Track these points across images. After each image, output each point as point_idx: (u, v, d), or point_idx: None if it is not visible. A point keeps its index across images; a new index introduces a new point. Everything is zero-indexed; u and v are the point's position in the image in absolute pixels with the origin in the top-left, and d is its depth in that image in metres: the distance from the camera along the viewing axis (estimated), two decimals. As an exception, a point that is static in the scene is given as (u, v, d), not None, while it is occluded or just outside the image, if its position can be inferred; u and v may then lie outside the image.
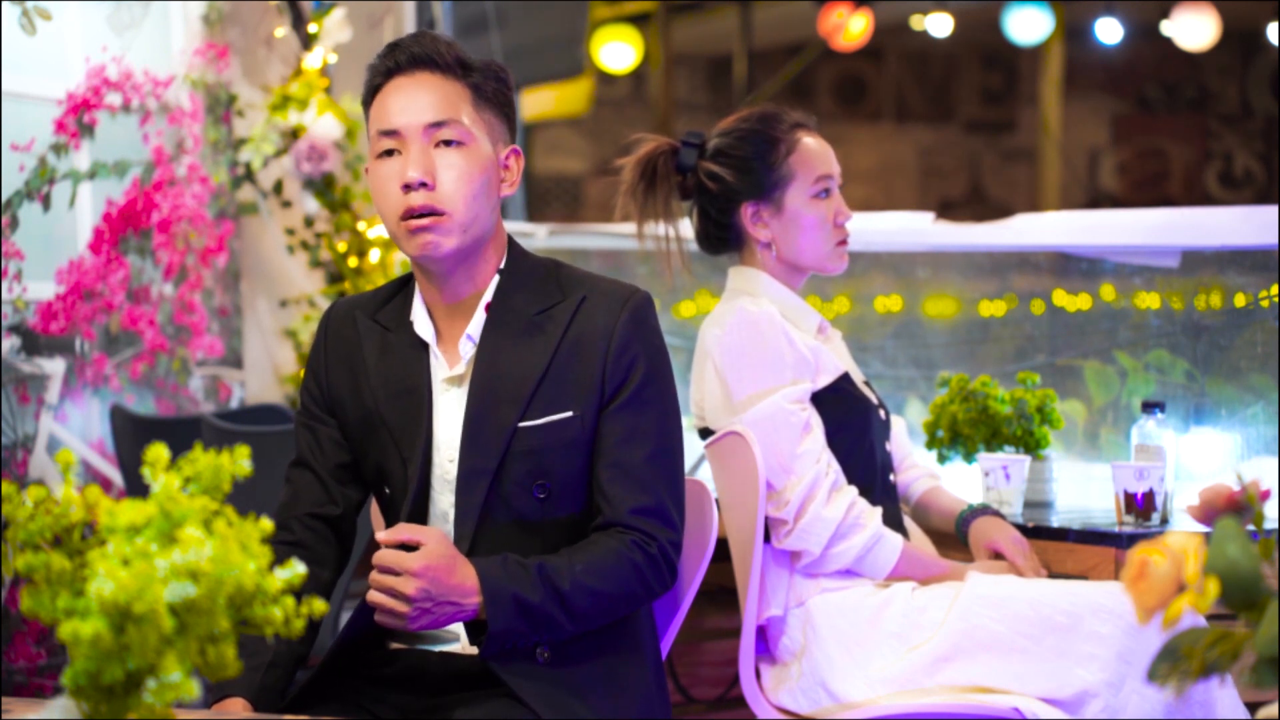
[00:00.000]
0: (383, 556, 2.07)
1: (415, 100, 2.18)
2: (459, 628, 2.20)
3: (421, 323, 2.24)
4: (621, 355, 2.19)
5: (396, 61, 2.21)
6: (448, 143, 2.17)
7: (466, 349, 2.22)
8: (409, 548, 2.07)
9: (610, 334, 2.19)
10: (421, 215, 2.15)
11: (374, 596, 2.07)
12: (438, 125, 2.17)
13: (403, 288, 2.31)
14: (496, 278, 2.24)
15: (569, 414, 2.18)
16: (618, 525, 2.18)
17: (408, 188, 2.16)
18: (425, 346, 2.24)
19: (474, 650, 2.19)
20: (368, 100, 2.24)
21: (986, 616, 2.62)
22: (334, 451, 2.29)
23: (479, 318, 2.22)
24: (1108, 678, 2.53)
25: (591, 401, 2.18)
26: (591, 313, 2.20)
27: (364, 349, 2.27)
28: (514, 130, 2.29)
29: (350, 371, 2.28)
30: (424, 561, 2.05)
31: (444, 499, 2.21)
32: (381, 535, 2.08)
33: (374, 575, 2.07)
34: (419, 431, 2.20)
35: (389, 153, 2.19)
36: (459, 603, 2.08)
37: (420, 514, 2.22)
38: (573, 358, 2.19)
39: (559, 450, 2.18)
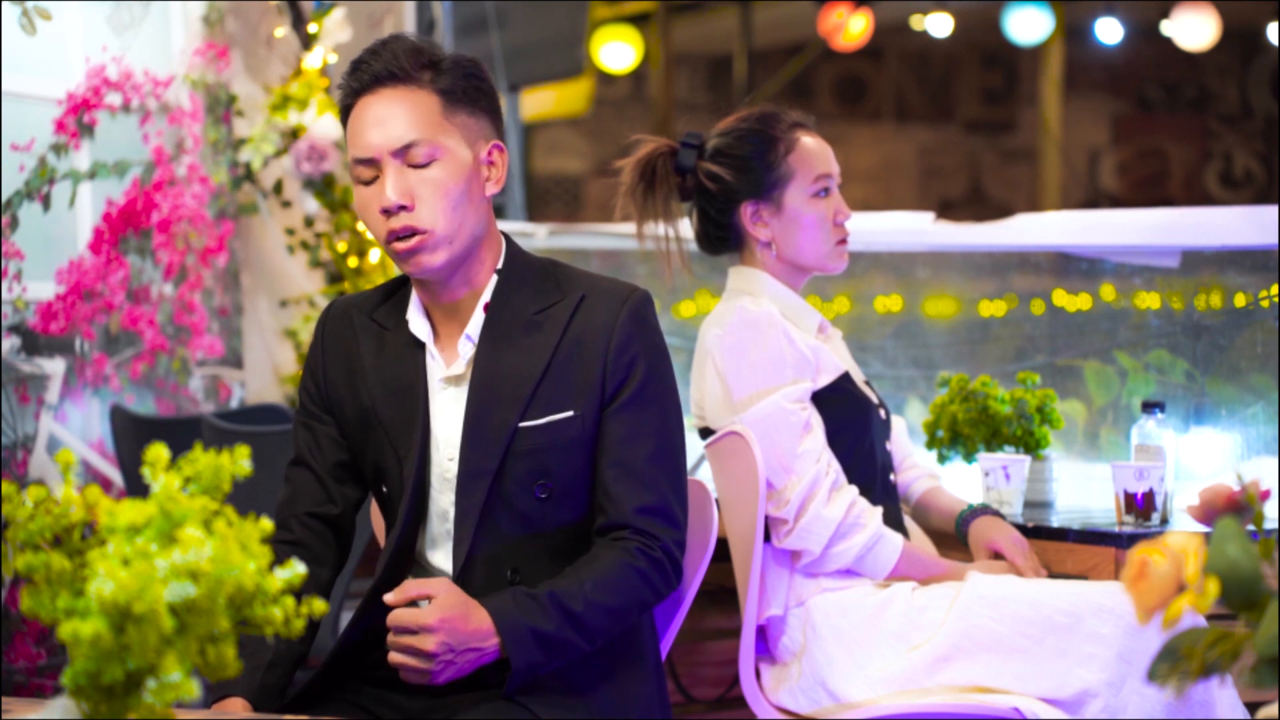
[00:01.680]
0: (397, 617, 2.06)
1: (382, 123, 2.16)
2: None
3: (417, 323, 2.24)
4: (622, 354, 2.19)
5: (361, 82, 2.19)
6: (421, 161, 2.16)
7: (465, 349, 2.22)
8: (417, 601, 2.07)
9: (610, 333, 2.19)
10: (406, 236, 2.15)
11: (395, 658, 2.07)
12: (407, 147, 2.15)
13: (400, 287, 2.31)
14: (494, 277, 2.24)
15: (570, 413, 2.18)
16: (621, 526, 2.18)
17: (387, 212, 2.16)
18: (421, 345, 2.24)
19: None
20: (344, 120, 2.23)
21: (986, 616, 2.62)
22: (332, 450, 2.29)
23: (478, 317, 2.22)
24: (1108, 678, 2.53)
25: (592, 401, 2.18)
26: (591, 312, 2.20)
27: (360, 348, 2.27)
28: (498, 122, 2.26)
29: (347, 370, 2.28)
30: (439, 614, 2.05)
31: (443, 498, 2.21)
32: (390, 597, 2.08)
33: (391, 637, 2.06)
34: (414, 430, 2.20)
35: (369, 178, 2.18)
36: (479, 647, 2.07)
37: (419, 512, 2.22)
38: (573, 357, 2.19)
39: (560, 450, 2.18)
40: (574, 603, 2.11)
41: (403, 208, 2.15)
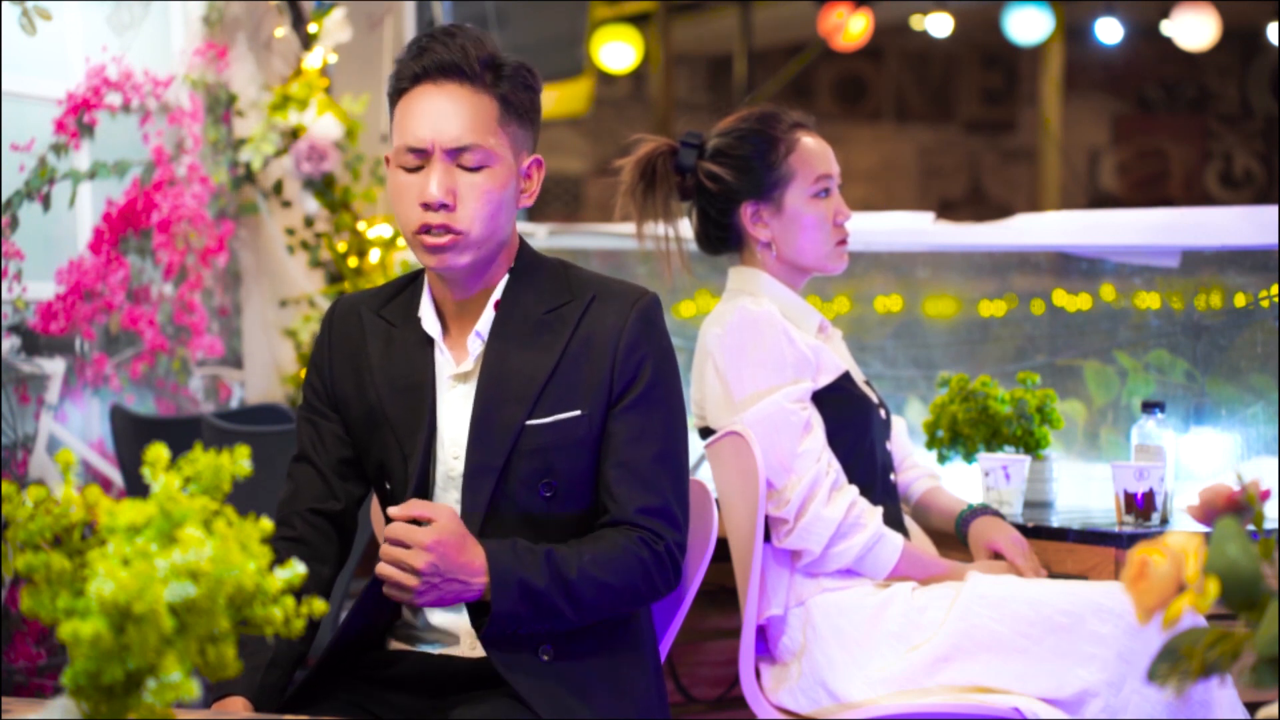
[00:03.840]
0: (394, 530, 2.07)
1: (441, 117, 2.15)
2: (462, 628, 2.20)
3: (429, 319, 2.24)
4: (630, 355, 2.19)
5: (424, 67, 2.17)
6: (472, 165, 2.16)
7: (475, 346, 2.22)
8: (420, 523, 2.07)
9: (619, 334, 2.19)
10: (439, 233, 2.15)
11: (383, 569, 2.07)
12: (462, 149, 2.15)
13: (410, 283, 2.31)
14: (506, 276, 2.24)
15: (577, 413, 2.18)
16: (625, 524, 2.18)
17: (427, 207, 2.15)
18: (430, 342, 2.24)
19: (475, 654, 2.19)
20: (393, 98, 2.21)
21: (986, 616, 2.62)
22: (336, 446, 2.29)
23: (488, 315, 2.22)
24: (1108, 678, 2.53)
25: (599, 401, 2.19)
26: (601, 313, 2.21)
27: (368, 344, 2.27)
28: (537, 135, 2.27)
29: (354, 367, 2.28)
30: (435, 536, 2.05)
31: (448, 495, 2.21)
32: (394, 510, 2.09)
33: (384, 548, 2.07)
34: (421, 427, 2.20)
35: (413, 166, 2.17)
36: (466, 581, 2.08)
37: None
38: (581, 357, 2.19)
39: (566, 449, 2.18)
40: (568, 569, 2.12)
41: (444, 206, 2.14)
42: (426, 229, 2.15)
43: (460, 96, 2.16)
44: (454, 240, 2.15)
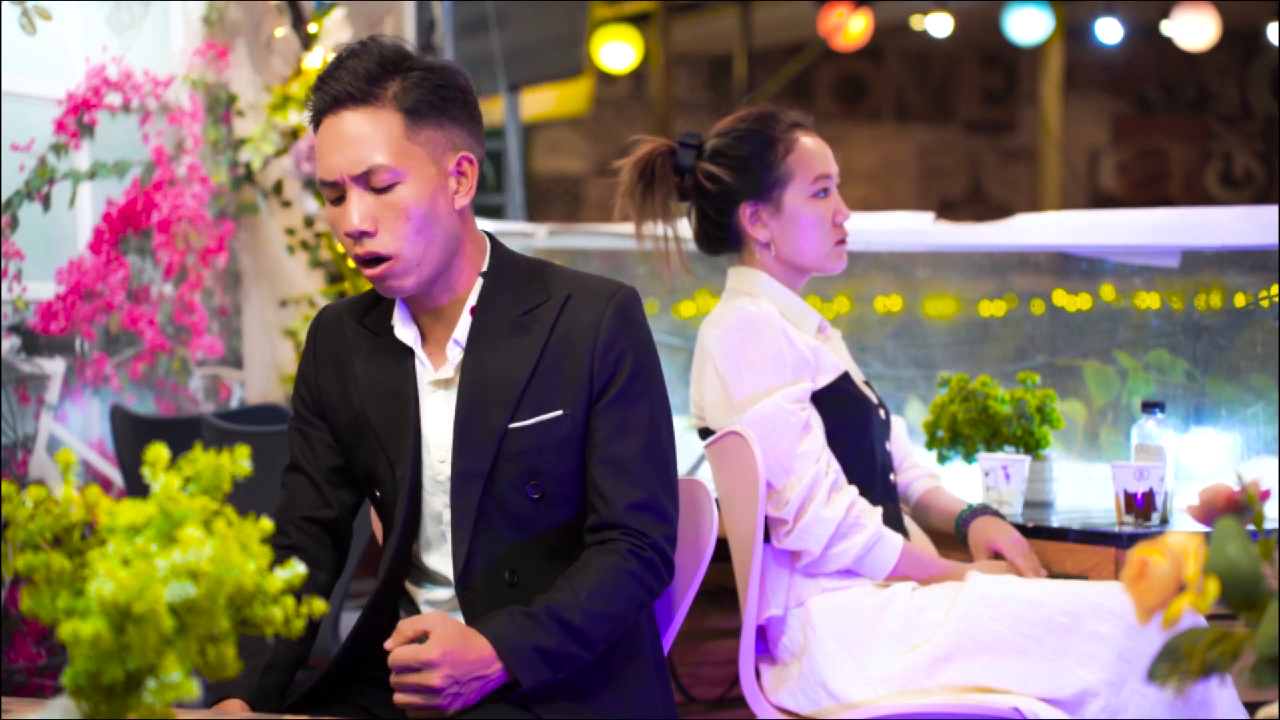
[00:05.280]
0: (398, 656, 2.05)
1: (341, 149, 2.13)
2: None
3: (403, 329, 2.23)
4: (608, 351, 2.18)
5: (323, 103, 2.16)
6: (382, 185, 2.13)
7: (454, 353, 2.21)
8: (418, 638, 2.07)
9: (597, 330, 2.18)
10: (373, 262, 2.15)
11: (402, 699, 2.06)
12: (368, 173, 2.12)
13: None
14: (480, 280, 2.24)
15: (559, 413, 2.17)
16: (612, 525, 2.18)
17: (350, 237, 2.15)
18: (410, 350, 2.23)
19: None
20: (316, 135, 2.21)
21: (986, 616, 2.62)
22: (327, 455, 2.29)
23: (464, 321, 2.21)
24: (1108, 677, 2.53)
25: (581, 399, 2.18)
26: (577, 311, 2.20)
27: (351, 353, 2.27)
28: (474, 126, 2.22)
29: (339, 376, 2.27)
30: (440, 648, 2.04)
31: (436, 500, 2.21)
32: (390, 643, 2.07)
33: (394, 679, 2.06)
34: (406, 434, 2.20)
35: (334, 198, 2.16)
36: (483, 675, 2.07)
37: (413, 515, 2.22)
38: (560, 356, 2.18)
39: (551, 450, 2.17)
40: (572, 615, 2.11)
41: (365, 233, 2.13)
42: (360, 260, 2.16)
43: (356, 121, 2.13)
44: (388, 267, 2.14)
